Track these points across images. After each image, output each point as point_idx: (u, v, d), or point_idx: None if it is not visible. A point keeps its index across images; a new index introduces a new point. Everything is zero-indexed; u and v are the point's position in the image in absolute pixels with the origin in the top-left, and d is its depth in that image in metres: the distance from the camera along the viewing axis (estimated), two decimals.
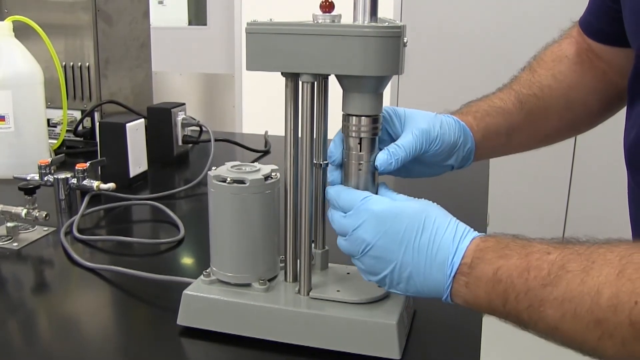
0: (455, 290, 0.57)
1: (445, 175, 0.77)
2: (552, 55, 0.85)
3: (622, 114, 0.77)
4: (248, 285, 0.69)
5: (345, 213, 0.62)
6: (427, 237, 0.58)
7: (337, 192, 0.64)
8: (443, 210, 0.60)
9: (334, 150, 0.66)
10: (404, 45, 0.61)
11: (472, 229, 0.59)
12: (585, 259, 0.49)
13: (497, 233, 0.58)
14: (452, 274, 0.56)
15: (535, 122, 0.81)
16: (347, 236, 0.61)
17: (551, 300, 0.50)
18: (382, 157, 0.64)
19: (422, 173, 0.73)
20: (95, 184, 1.07)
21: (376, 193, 0.65)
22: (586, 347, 0.49)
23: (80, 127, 1.47)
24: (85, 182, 1.08)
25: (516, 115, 0.79)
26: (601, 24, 0.80)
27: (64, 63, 1.48)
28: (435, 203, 0.61)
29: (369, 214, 0.60)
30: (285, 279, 0.71)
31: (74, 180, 1.08)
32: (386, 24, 0.60)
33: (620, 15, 0.71)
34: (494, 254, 0.55)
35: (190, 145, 1.45)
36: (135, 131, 1.21)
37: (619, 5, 0.72)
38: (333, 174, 0.67)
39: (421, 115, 0.70)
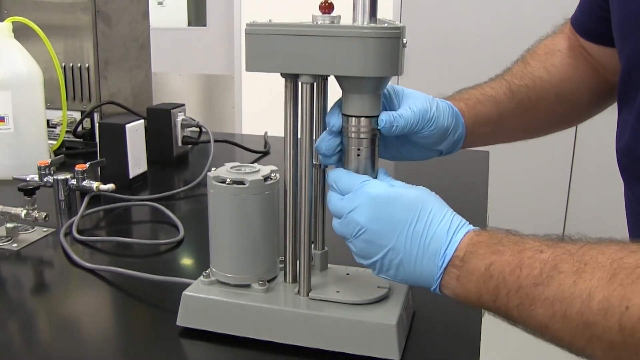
0: (445, 282, 0.57)
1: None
2: (545, 49, 0.85)
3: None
4: (248, 286, 0.69)
5: (343, 195, 0.62)
6: (422, 226, 0.58)
7: (337, 175, 0.64)
8: (440, 200, 0.60)
9: (331, 118, 0.65)
10: (404, 46, 0.61)
11: (468, 222, 0.59)
12: (578, 260, 0.49)
13: (490, 228, 0.58)
14: (444, 266, 0.57)
15: (525, 112, 0.82)
16: (341, 218, 0.61)
17: (542, 299, 0.50)
18: (386, 117, 0.64)
19: (411, 155, 0.73)
20: (94, 184, 1.07)
21: (376, 176, 0.65)
22: (575, 347, 0.49)
23: (79, 128, 1.47)
24: (84, 183, 1.08)
25: (507, 105, 0.80)
26: (592, 23, 0.80)
27: (63, 64, 1.48)
28: (433, 192, 0.61)
29: (365, 197, 0.60)
30: (285, 280, 0.71)
31: (74, 181, 1.08)
32: (386, 24, 0.60)
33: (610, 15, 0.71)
34: (487, 249, 0.55)
35: (190, 146, 1.45)
36: (135, 132, 1.21)
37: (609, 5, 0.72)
38: (330, 141, 0.66)
39: (418, 95, 0.70)
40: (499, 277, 0.53)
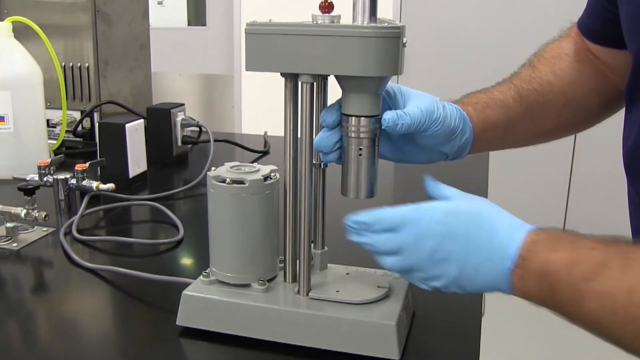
0: (513, 282, 0.58)
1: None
2: (552, 53, 0.85)
3: (622, 115, 0.77)
4: (247, 285, 0.69)
5: (393, 231, 0.60)
6: (487, 232, 0.58)
7: (374, 215, 0.61)
8: (493, 204, 0.61)
9: (326, 114, 0.65)
10: (404, 45, 0.61)
11: (523, 221, 0.60)
12: (626, 257, 0.52)
13: (548, 227, 0.59)
14: (511, 267, 0.57)
15: (534, 117, 0.81)
16: (400, 253, 0.60)
17: (591, 294, 0.52)
18: (390, 115, 0.64)
19: (415, 157, 0.73)
20: (94, 184, 1.07)
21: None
22: (623, 341, 0.51)
23: (79, 128, 1.47)
24: (84, 183, 1.08)
25: (515, 109, 0.80)
26: (598, 26, 0.80)
27: (63, 64, 1.48)
28: (479, 196, 0.62)
29: (427, 222, 0.59)
30: (285, 280, 0.71)
31: (74, 181, 1.08)
32: (385, 24, 0.60)
33: (618, 17, 0.71)
34: (544, 247, 0.56)
35: (190, 145, 1.45)
36: (135, 132, 1.21)
37: (617, 8, 0.71)
38: (328, 138, 0.66)
39: (425, 95, 0.70)
40: (554, 275, 0.55)
